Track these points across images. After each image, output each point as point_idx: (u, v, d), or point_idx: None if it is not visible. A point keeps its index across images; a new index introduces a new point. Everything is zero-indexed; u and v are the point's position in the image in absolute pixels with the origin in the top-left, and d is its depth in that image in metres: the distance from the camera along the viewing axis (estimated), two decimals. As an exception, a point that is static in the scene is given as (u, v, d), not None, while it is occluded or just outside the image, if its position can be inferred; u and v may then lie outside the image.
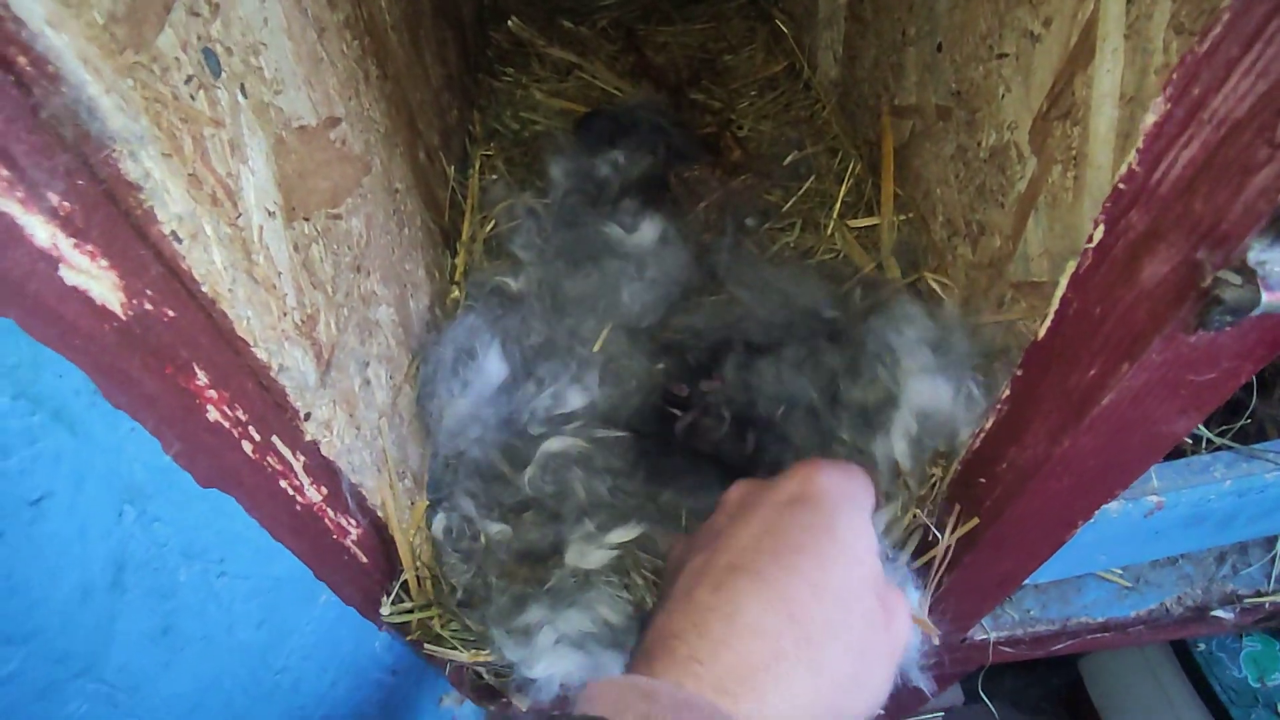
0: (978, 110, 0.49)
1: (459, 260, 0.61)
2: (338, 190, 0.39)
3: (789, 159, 0.72)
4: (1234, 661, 0.84)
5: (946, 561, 0.43)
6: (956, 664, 0.67)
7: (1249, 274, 0.22)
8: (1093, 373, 0.29)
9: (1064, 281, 0.30)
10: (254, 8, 0.31)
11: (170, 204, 0.24)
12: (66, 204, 0.21)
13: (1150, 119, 0.24)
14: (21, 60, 0.19)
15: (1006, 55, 0.44)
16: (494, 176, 0.71)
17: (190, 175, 0.25)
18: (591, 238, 0.63)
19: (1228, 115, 0.22)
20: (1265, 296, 0.22)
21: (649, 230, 0.64)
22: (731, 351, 0.59)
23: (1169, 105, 0.24)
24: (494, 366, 0.51)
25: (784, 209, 0.70)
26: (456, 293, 0.60)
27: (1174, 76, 0.23)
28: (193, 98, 0.26)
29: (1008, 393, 0.36)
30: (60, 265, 0.21)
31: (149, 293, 0.25)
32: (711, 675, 0.27)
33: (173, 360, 0.26)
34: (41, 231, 0.20)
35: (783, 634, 0.28)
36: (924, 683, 0.44)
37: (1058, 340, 0.31)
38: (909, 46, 0.58)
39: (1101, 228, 0.28)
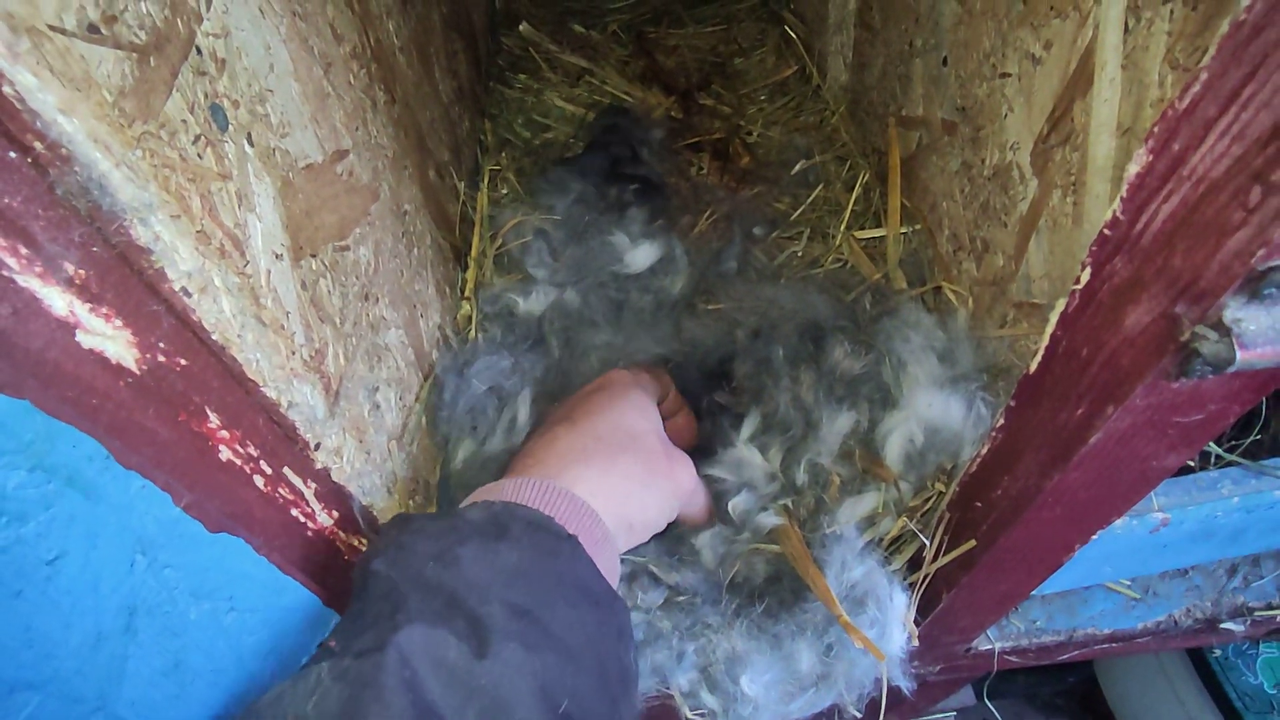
0: (982, 128, 0.49)
1: (469, 275, 0.63)
2: (345, 222, 0.40)
3: (798, 168, 0.71)
4: (1250, 668, 0.84)
5: (930, 580, 0.44)
6: (963, 670, 0.68)
7: (1225, 331, 0.22)
8: (1080, 412, 0.30)
9: (1054, 319, 0.31)
10: (260, 55, 0.32)
11: (180, 262, 0.25)
12: (82, 271, 0.22)
13: (1133, 169, 0.25)
14: (37, 145, 0.20)
15: (1009, 75, 0.44)
16: (504, 190, 0.72)
17: (199, 232, 0.27)
18: (599, 251, 0.64)
19: (1206, 174, 0.22)
20: (1240, 354, 0.22)
21: (658, 243, 0.65)
22: (741, 359, 0.59)
23: (1150, 157, 0.24)
24: (523, 416, 0.52)
25: (792, 217, 0.70)
26: (468, 308, 0.61)
27: (1155, 129, 0.23)
28: (200, 156, 0.27)
29: (1002, 421, 0.36)
30: (77, 330, 0.22)
31: (161, 346, 0.26)
32: (539, 470, 0.40)
33: (185, 407, 0.27)
34: (59, 301, 0.22)
35: (586, 444, 0.42)
36: (905, 684, 0.45)
37: (1047, 377, 0.32)
38: (916, 58, 0.58)
39: (1088, 270, 0.28)
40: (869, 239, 0.65)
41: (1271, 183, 0.20)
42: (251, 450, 0.31)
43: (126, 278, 0.24)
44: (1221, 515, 0.50)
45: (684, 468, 0.46)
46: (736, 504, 0.50)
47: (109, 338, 0.24)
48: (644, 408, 0.47)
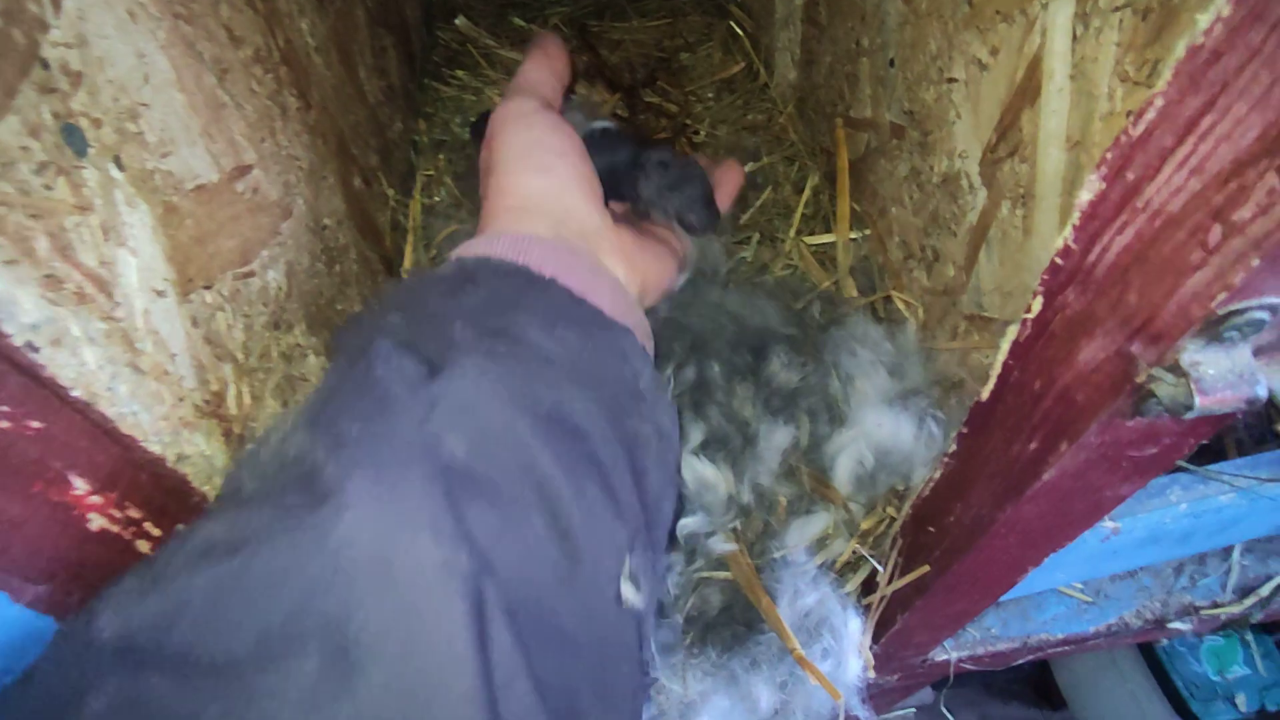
0: (930, 133, 0.47)
1: (402, 288, 0.59)
2: (248, 246, 0.37)
3: (746, 169, 0.69)
4: (1195, 656, 0.86)
5: (885, 603, 0.43)
6: (920, 677, 0.67)
7: (1182, 374, 0.21)
8: (1033, 445, 0.28)
9: (1005, 347, 0.29)
10: (130, 66, 0.29)
11: (20, 314, 0.22)
12: (-114, 335, 0.19)
13: (1086, 196, 0.23)
14: None
15: (956, 80, 0.43)
16: (439, 196, 0.68)
17: (46, 277, 0.23)
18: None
19: (1162, 208, 0.20)
20: (1199, 400, 0.20)
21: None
22: (686, 366, 0.57)
23: (1104, 185, 0.22)
24: None
25: (741, 220, 0.68)
26: (400, 323, 0.57)
27: (1108, 156, 0.22)
28: (48, 188, 0.23)
29: (954, 448, 0.35)
30: (-119, 406, 0.19)
31: (5, 409, 0.22)
32: (501, 226, 0.36)
33: (42, 475, 0.24)
34: None
35: (543, 161, 0.38)
36: (863, 713, 0.44)
37: (999, 406, 0.30)
38: (863, 57, 0.56)
39: (1040, 299, 0.26)
40: (820, 244, 0.63)
41: (1232, 223, 0.18)
42: (132, 513, 0.27)
43: (-51, 336, 0.21)
44: (1170, 521, 0.50)
45: (500, 112, 0.40)
46: (686, 525, 0.48)
47: (-72, 410, 0.20)
48: (556, 128, 0.40)
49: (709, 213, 0.43)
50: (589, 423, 0.28)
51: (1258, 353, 0.21)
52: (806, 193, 0.67)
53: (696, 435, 0.50)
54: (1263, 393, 0.21)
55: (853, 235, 0.60)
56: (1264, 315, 0.19)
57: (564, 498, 0.26)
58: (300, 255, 0.43)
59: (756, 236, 0.66)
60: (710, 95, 0.81)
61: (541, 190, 0.37)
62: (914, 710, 0.97)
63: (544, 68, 0.44)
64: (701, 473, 0.49)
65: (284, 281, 0.40)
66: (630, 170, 0.43)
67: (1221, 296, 0.19)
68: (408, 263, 0.60)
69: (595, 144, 0.42)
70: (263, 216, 0.39)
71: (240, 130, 0.37)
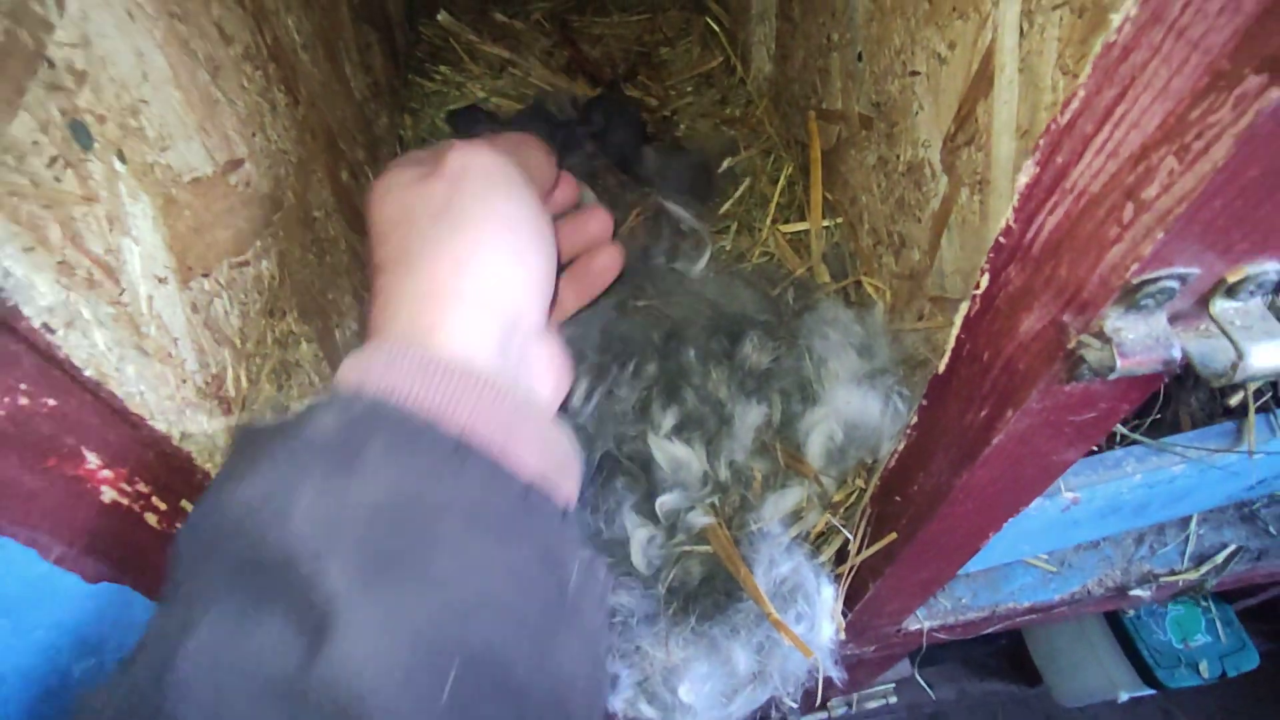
0: (896, 124, 0.49)
1: (390, 279, 0.60)
2: (242, 236, 0.38)
3: (725, 164, 0.71)
4: (1160, 625, 0.89)
5: (856, 571, 0.45)
6: (896, 647, 0.70)
7: (1106, 340, 0.23)
8: (984, 413, 0.30)
9: (958, 321, 0.31)
10: (130, 65, 0.30)
11: (38, 298, 0.23)
12: (-83, 316, 0.20)
13: (1023, 180, 0.25)
14: None
15: (918, 73, 0.45)
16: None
17: (60, 263, 0.25)
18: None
19: (1085, 189, 0.22)
20: (1120, 363, 0.23)
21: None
22: (667, 357, 0.59)
23: (1038, 169, 0.24)
24: None
25: (720, 210, 0.70)
26: (388, 313, 0.59)
27: (1041, 142, 0.24)
28: (58, 180, 0.25)
29: (915, 420, 0.37)
30: (-86, 381, 0.21)
31: (23, 387, 0.24)
32: (393, 328, 0.30)
33: (56, 450, 0.25)
34: (-112, 351, 0.20)
35: (396, 279, 0.31)
36: (836, 674, 0.46)
37: (954, 378, 0.32)
38: (834, 52, 0.58)
39: (986, 276, 0.28)
40: (794, 232, 0.66)
41: (1142, 200, 0.20)
42: (141, 487, 0.29)
43: (-27, 318, 0.22)
44: (1126, 491, 0.53)
45: (457, 158, 0.33)
46: (665, 502, 0.50)
47: (-45, 386, 0.22)
48: (389, 182, 0.34)
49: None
50: (507, 664, 0.23)
51: (1174, 319, 0.24)
52: (781, 183, 0.69)
53: (670, 419, 0.52)
54: (1177, 354, 0.23)
55: (826, 223, 0.63)
56: (1174, 284, 0.22)
57: None
58: (291, 246, 0.45)
59: (734, 226, 0.68)
60: (690, 89, 0.83)
61: (510, 280, 0.31)
62: (893, 685, 1.01)
63: (540, 153, 0.39)
64: (674, 453, 0.51)
65: (277, 270, 0.42)
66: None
67: (1134, 267, 0.21)
68: (395, 254, 0.62)
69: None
70: (255, 208, 0.40)
71: (232, 125, 0.39)
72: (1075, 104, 0.22)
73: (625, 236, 0.66)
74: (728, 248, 0.67)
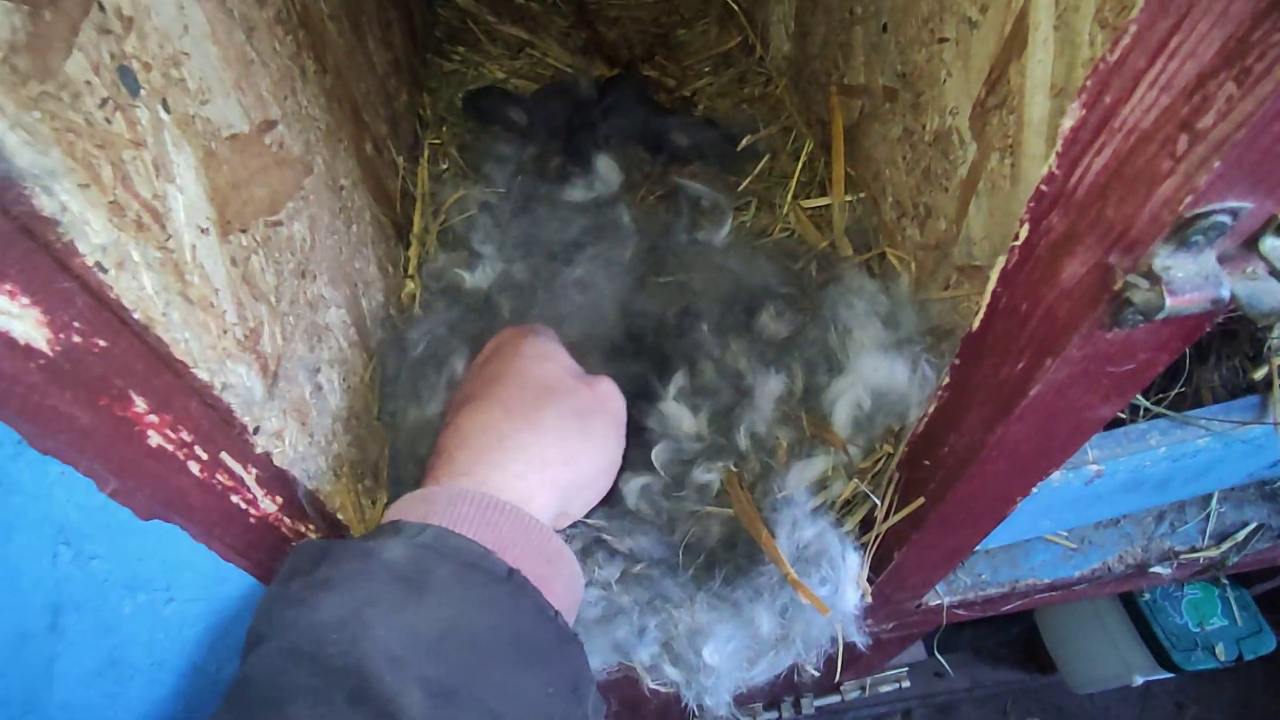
0: (922, 94, 0.49)
1: (412, 253, 0.61)
2: (276, 196, 0.38)
3: (744, 142, 0.71)
4: (1176, 608, 0.89)
5: (882, 539, 0.45)
6: (915, 625, 0.70)
7: (1155, 279, 0.23)
8: (1020, 365, 0.30)
9: (994, 276, 0.31)
10: (172, 16, 0.30)
11: (91, 235, 0.24)
12: (-21, 245, 0.21)
13: (1068, 123, 0.25)
14: (-84, 104, 0.19)
15: (947, 40, 0.45)
16: (445, 166, 0.70)
17: (111, 203, 0.25)
18: (547, 221, 0.63)
19: (1136, 125, 0.22)
20: (1169, 301, 0.23)
21: (604, 220, 0.64)
22: (692, 334, 0.59)
23: (1084, 111, 0.24)
24: (461, 370, 0.51)
25: (740, 188, 0.70)
26: (411, 286, 0.59)
27: (1088, 83, 0.24)
28: (109, 121, 0.25)
29: (947, 380, 0.37)
30: (-23, 309, 0.21)
31: (76, 325, 0.24)
32: (454, 473, 0.35)
33: (107, 390, 0.26)
34: (-46, 277, 0.20)
35: (499, 420, 0.37)
36: (860, 639, 0.47)
37: (989, 333, 0.32)
38: (856, 25, 0.58)
39: (1026, 227, 0.28)
40: (815, 208, 0.66)
41: (1197, 131, 0.20)
42: (184, 435, 0.29)
43: (31, 252, 0.22)
44: (1150, 465, 0.53)
45: (610, 390, 0.42)
46: (659, 453, 0.50)
47: (15, 316, 0.22)
48: (545, 351, 0.42)
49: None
50: None
51: (1221, 261, 0.24)
52: (802, 160, 0.69)
53: (674, 386, 0.52)
54: (1225, 293, 0.23)
55: (848, 198, 0.63)
56: (1225, 219, 0.22)
57: None
58: (321, 211, 0.45)
59: (755, 203, 0.68)
60: (708, 69, 0.83)
61: (586, 492, 0.39)
62: (906, 668, 1.01)
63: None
64: (665, 410, 0.51)
65: (308, 234, 0.42)
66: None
67: (1188, 200, 0.21)
68: (416, 229, 0.62)
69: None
70: (287, 171, 0.41)
71: (266, 86, 0.39)
72: (1125, 39, 0.22)
73: (645, 211, 0.66)
74: (748, 224, 0.67)
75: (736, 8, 0.86)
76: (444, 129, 0.75)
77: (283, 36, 0.42)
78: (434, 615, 0.28)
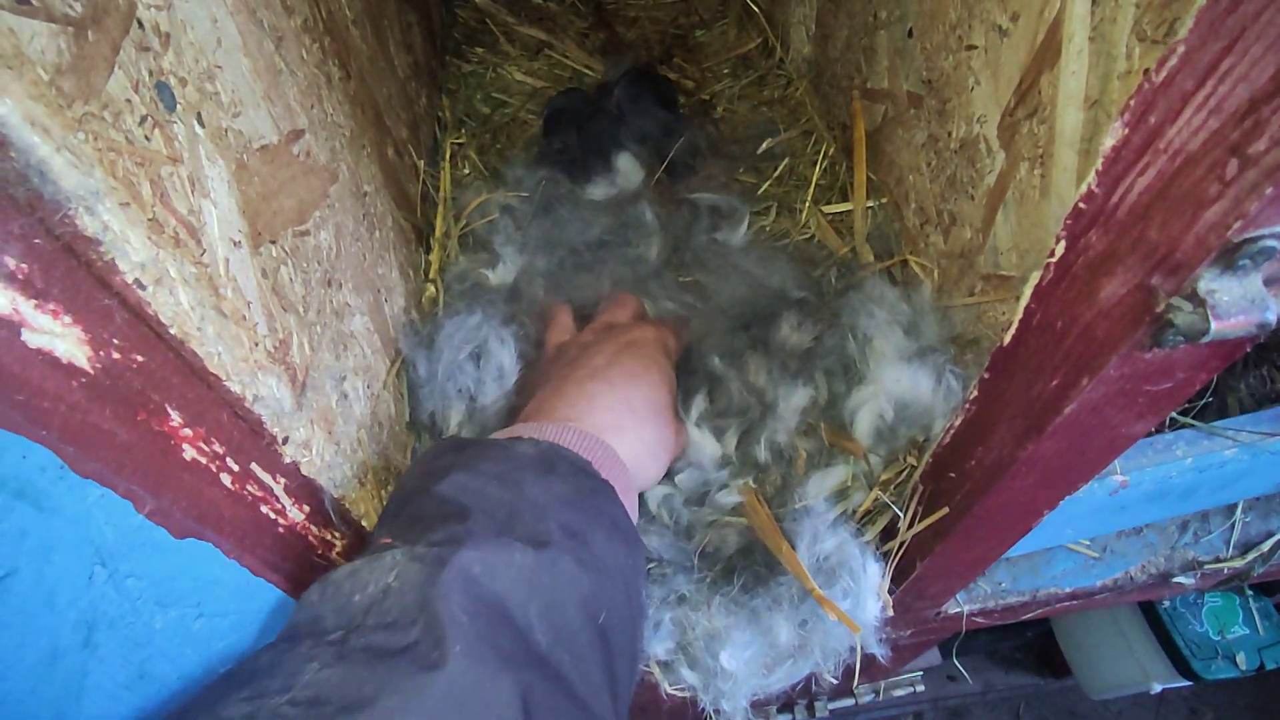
0: (948, 101, 0.49)
1: (434, 256, 0.61)
2: (304, 206, 0.39)
3: (764, 146, 0.71)
4: (1196, 616, 0.88)
5: (904, 549, 0.45)
6: (933, 633, 0.70)
7: (1199, 302, 0.23)
8: (1054, 383, 0.30)
9: (1028, 291, 0.31)
10: (207, 29, 0.30)
11: (132, 253, 0.24)
12: (24, 265, 0.21)
13: (1109, 142, 0.25)
14: (-34, 129, 0.19)
15: (975, 47, 0.44)
16: (466, 169, 0.70)
17: (150, 220, 0.25)
18: (570, 220, 0.63)
19: (1182, 147, 0.22)
20: (1214, 325, 0.22)
21: (627, 218, 0.64)
22: (712, 335, 0.59)
23: (1126, 131, 0.24)
24: (508, 361, 0.51)
25: (760, 191, 0.70)
26: (433, 290, 0.59)
27: (1131, 103, 0.24)
28: (148, 138, 0.25)
29: (975, 393, 0.37)
30: (22, 329, 0.21)
31: (116, 342, 0.24)
32: (579, 422, 0.42)
33: (144, 406, 0.26)
34: (1, 298, 0.20)
35: (620, 409, 0.44)
36: (880, 651, 0.46)
37: (1022, 349, 0.32)
38: (880, 30, 0.58)
39: (1063, 244, 0.28)
40: (836, 213, 0.65)
41: (1248, 156, 0.20)
42: (217, 448, 0.30)
43: (74, 271, 0.22)
44: (1176, 475, 0.52)
45: (682, 435, 0.50)
46: (684, 480, 0.50)
47: (58, 335, 0.22)
48: (669, 379, 0.49)
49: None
50: (620, 639, 0.35)
51: (1267, 283, 0.23)
52: (822, 164, 0.68)
53: (700, 403, 0.52)
54: (1272, 317, 0.23)
55: (869, 203, 0.62)
56: (1275, 244, 0.21)
57: (594, 707, 0.32)
58: (346, 219, 0.45)
59: (774, 207, 0.68)
60: (726, 71, 0.83)
61: (651, 440, 0.45)
62: (921, 673, 1.00)
63: (675, 339, 0.54)
64: (697, 439, 0.51)
65: (334, 242, 0.42)
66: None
67: (1236, 225, 0.21)
68: (438, 232, 0.62)
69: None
70: (314, 179, 0.41)
71: (294, 95, 0.39)
72: (1173, 61, 0.22)
73: (667, 212, 0.66)
74: (767, 228, 0.67)
75: (756, 9, 0.86)
76: (463, 131, 0.76)
77: (309, 44, 0.42)
78: (560, 487, 0.36)
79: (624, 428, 0.44)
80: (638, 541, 0.40)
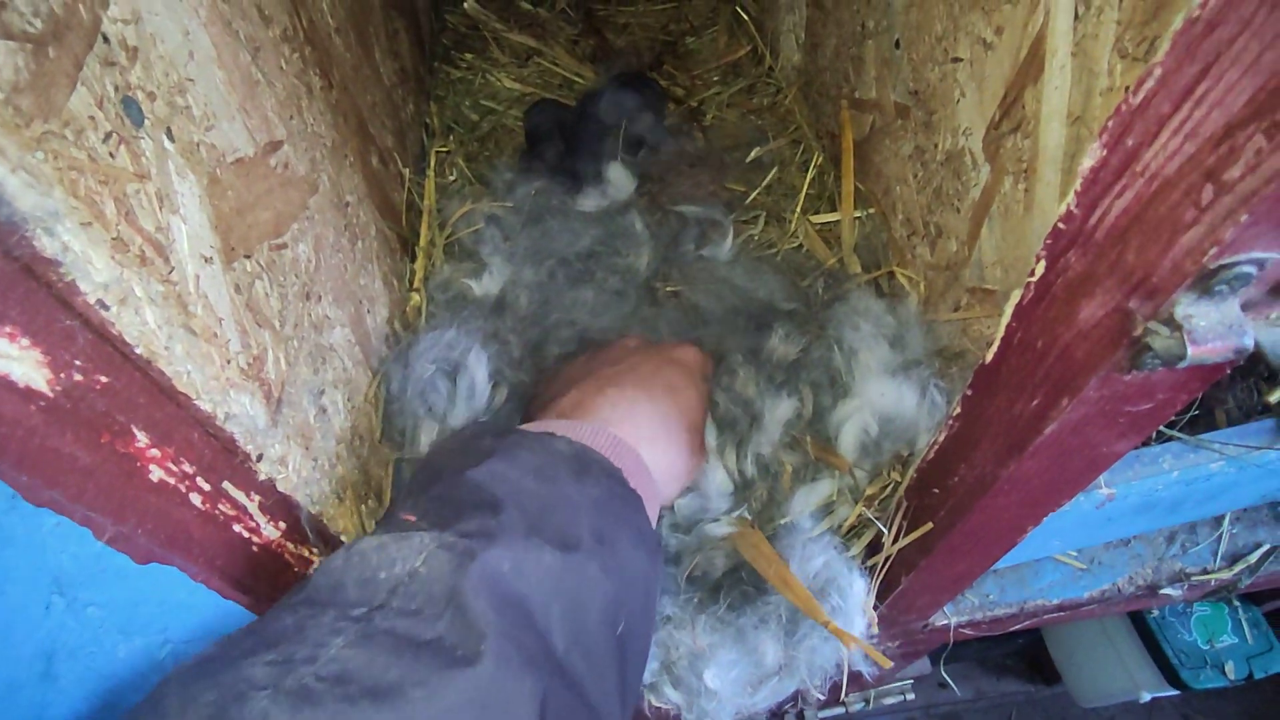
0: (934, 112, 0.49)
1: (418, 266, 0.60)
2: (281, 218, 0.38)
3: (753, 154, 0.71)
4: (1185, 625, 0.88)
5: (889, 564, 0.44)
6: (921, 644, 0.69)
7: (1176, 327, 0.22)
8: (1035, 403, 0.30)
9: (1009, 310, 0.31)
10: (178, 43, 0.30)
11: (94, 273, 0.23)
12: (-21, 288, 0.20)
13: (1088, 163, 0.24)
14: (-86, 152, 0.18)
15: (961, 60, 0.44)
16: (453, 176, 0.69)
17: (114, 239, 0.24)
18: (557, 234, 0.63)
19: (1159, 171, 0.22)
20: (1191, 350, 0.22)
21: (617, 228, 0.64)
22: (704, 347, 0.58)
23: (1105, 152, 0.24)
24: (480, 378, 0.50)
25: (748, 201, 0.69)
26: (417, 300, 0.59)
27: (1109, 124, 0.23)
28: (112, 155, 0.25)
29: (959, 410, 0.37)
30: (-24, 354, 0.20)
31: (78, 363, 0.24)
32: (614, 428, 0.42)
33: (109, 427, 0.25)
34: (-47, 323, 0.20)
35: (656, 423, 0.44)
36: (866, 668, 0.46)
37: (1003, 367, 0.32)
38: (868, 40, 0.58)
39: (1043, 263, 0.28)
40: (824, 223, 0.65)
41: (1223, 181, 0.20)
42: (186, 467, 0.29)
43: (32, 292, 0.22)
44: (1162, 488, 0.52)
45: (703, 459, 0.50)
46: (681, 505, 0.50)
47: (14, 359, 0.22)
48: (705, 403, 0.50)
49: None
50: (635, 648, 0.36)
51: (1244, 307, 0.23)
52: (811, 173, 0.68)
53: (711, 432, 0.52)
54: (1249, 343, 0.22)
55: (857, 214, 0.62)
56: (1251, 269, 0.21)
57: (604, 713, 0.32)
58: (326, 230, 0.45)
59: (763, 216, 0.68)
60: (716, 79, 0.83)
61: (678, 460, 0.45)
62: (911, 681, 1.00)
63: (710, 367, 0.54)
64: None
65: (313, 255, 0.42)
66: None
67: (1213, 251, 0.20)
68: (423, 241, 0.62)
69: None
70: (293, 191, 0.40)
71: (271, 107, 0.39)
72: (1150, 83, 0.21)
73: (655, 222, 0.66)
74: (755, 237, 0.67)
75: (746, 16, 0.86)
76: (451, 138, 0.75)
77: (288, 54, 0.42)
78: (593, 490, 0.36)
79: (657, 441, 0.44)
80: (658, 552, 0.40)
